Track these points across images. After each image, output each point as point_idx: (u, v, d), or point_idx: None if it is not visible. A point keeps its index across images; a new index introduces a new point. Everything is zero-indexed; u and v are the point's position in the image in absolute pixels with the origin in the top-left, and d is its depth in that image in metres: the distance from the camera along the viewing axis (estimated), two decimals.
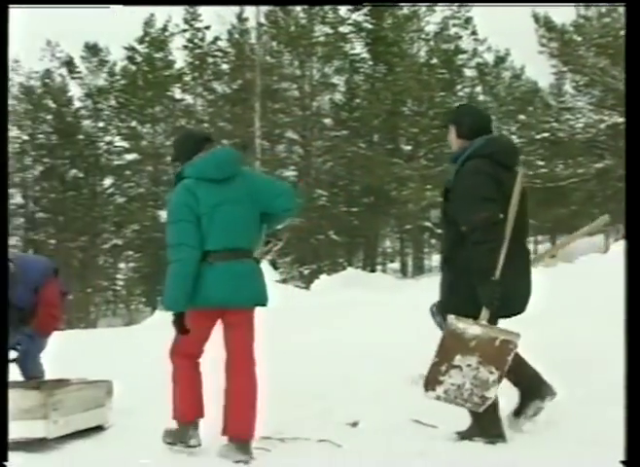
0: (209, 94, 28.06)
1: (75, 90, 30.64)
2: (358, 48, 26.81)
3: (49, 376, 5.01)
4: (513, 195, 3.44)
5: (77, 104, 30.69)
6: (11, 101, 30.38)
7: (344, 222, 26.21)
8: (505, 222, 3.39)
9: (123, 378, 4.94)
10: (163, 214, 27.40)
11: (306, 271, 25.21)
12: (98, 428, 4.43)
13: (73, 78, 30.44)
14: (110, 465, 3.64)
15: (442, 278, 3.66)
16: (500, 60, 29.57)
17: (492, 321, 3.42)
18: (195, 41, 27.37)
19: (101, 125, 30.42)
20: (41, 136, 30.51)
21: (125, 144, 30.02)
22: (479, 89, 28.38)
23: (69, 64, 30.20)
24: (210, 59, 27.11)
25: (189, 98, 29.10)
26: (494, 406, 3.44)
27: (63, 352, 5.70)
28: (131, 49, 29.22)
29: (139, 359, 7.22)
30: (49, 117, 30.27)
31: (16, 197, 31.39)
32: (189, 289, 3.52)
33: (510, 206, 3.42)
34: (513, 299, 3.46)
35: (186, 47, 27.50)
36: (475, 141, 3.57)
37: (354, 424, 3.99)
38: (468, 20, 26.52)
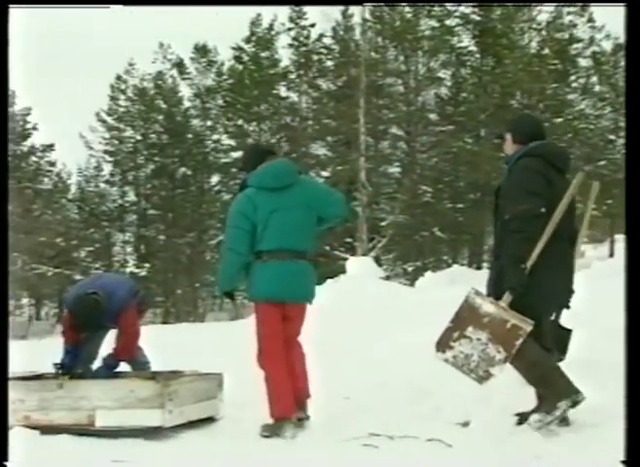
0: (314, 92, 28.24)
1: (185, 91, 31.64)
2: (465, 40, 26.21)
3: (161, 367, 5.14)
4: (566, 194, 3.54)
5: (186, 104, 31.64)
6: (124, 102, 31.77)
7: (449, 218, 25.76)
8: (546, 217, 3.48)
9: (232, 371, 5.01)
10: None
11: (410, 268, 24.97)
12: (210, 419, 4.52)
13: (183, 79, 31.41)
14: (222, 456, 3.68)
15: (490, 271, 3.82)
16: (619, 48, 28.12)
17: (527, 315, 3.49)
18: (301, 39, 27.59)
19: (209, 123, 31.20)
20: (152, 136, 31.61)
21: (232, 142, 30.63)
22: (594, 79, 27.02)
23: (179, 65, 31.18)
24: (315, 57, 27.26)
25: (294, 96, 29.42)
26: (559, 371, 3.55)
27: (174, 345, 5.88)
28: (238, 48, 29.79)
29: (247, 353, 7.33)
30: (160, 117, 31.31)
31: (129, 195, 32.76)
32: (232, 282, 4.29)
33: (556, 204, 3.52)
34: (560, 294, 3.62)
35: (291, 45, 27.80)
36: (530, 145, 3.73)
37: (465, 424, 3.86)
38: (584, 7, 25.38)
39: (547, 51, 25.29)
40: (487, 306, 3.54)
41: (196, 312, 29.12)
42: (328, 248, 25.47)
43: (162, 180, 31.30)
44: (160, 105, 31.38)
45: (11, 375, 4.86)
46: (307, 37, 27.58)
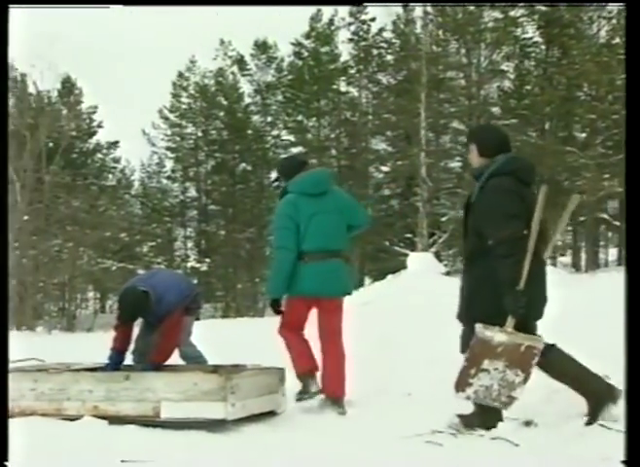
0: (374, 86, 28.11)
1: (245, 87, 31.96)
2: (530, 31, 25.57)
3: (221, 361, 5.15)
4: (536, 210, 3.61)
5: (247, 100, 31.96)
6: (186, 99, 32.25)
7: None
8: (528, 236, 3.57)
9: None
10: None
11: None
12: (271, 413, 4.53)
13: (243, 75, 31.73)
14: (284, 449, 3.69)
15: (462, 286, 3.89)
16: None
17: (522, 326, 3.62)
18: (361, 33, 27.49)
19: (269, 119, 31.44)
20: (213, 132, 32.03)
21: (292, 138, 30.80)
22: None
23: (240, 62, 31.49)
24: (375, 51, 27.13)
25: (353, 91, 29.36)
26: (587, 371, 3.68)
27: (234, 338, 5.92)
28: (298, 44, 29.90)
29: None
30: (221, 113, 31.71)
31: (190, 191, 33.27)
32: (285, 282, 4.57)
33: (532, 221, 3.60)
34: (535, 306, 3.69)
35: (351, 40, 27.72)
36: (496, 159, 3.75)
37: (528, 423, 3.78)
38: None
39: (617, 40, 24.41)
40: (499, 336, 3.63)
41: (256, 307, 29.40)
42: (387, 244, 25.35)
43: (223, 176, 31.67)
44: (220, 102, 31.76)
45: (78, 366, 4.99)
46: (367, 31, 27.45)
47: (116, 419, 4.29)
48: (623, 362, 2.97)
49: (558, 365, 3.73)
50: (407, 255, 18.37)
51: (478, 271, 3.72)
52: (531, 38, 25.68)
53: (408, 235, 26.09)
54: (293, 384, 4.76)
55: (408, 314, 9.18)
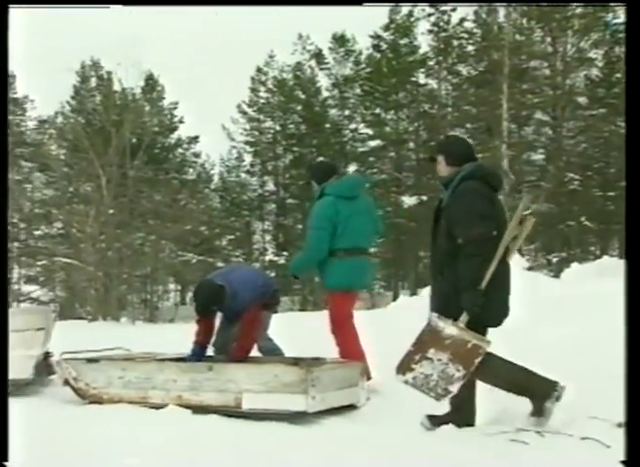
0: (453, 78, 27.62)
1: (323, 81, 31.97)
2: (622, 16, 24.50)
3: (300, 354, 5.17)
4: (514, 217, 3.75)
5: (324, 94, 31.95)
6: (264, 94, 32.54)
7: (598, 207, 24.42)
8: (496, 239, 3.68)
9: (372, 360, 4.98)
10: (406, 200, 27.57)
11: (555, 259, 23.95)
12: (351, 407, 4.52)
13: (321, 69, 31.75)
14: (363, 442, 3.66)
15: (433, 289, 4.00)
16: None
17: (473, 327, 3.71)
18: (441, 24, 27.04)
19: (347, 113, 31.35)
20: (291, 126, 32.21)
21: (369, 131, 30.63)
22: None
23: (318, 56, 31.54)
24: (455, 42, 26.61)
25: (433, 83, 28.93)
26: (472, 398, 3.88)
27: (312, 332, 5.91)
28: (377, 37, 29.69)
29: (386, 342, 7.28)
30: (298, 107, 31.83)
31: (268, 184, 33.59)
32: (305, 272, 5.51)
33: (501, 225, 3.74)
34: (493, 311, 3.78)
35: (431, 31, 27.27)
36: (464, 167, 3.89)
37: (620, 425, 3.61)
38: None
39: None
40: (450, 329, 3.73)
41: None
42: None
43: (301, 170, 31.81)
44: (298, 96, 31.91)
45: (162, 356, 5.09)
46: (448, 22, 26.92)
47: (199, 409, 4.36)
48: (623, 362, 2.97)
49: (491, 370, 3.80)
50: None
51: (451, 276, 3.78)
52: (623, 23, 24.60)
53: None
54: None
55: None
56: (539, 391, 3.76)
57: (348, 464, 3.34)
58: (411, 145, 29.76)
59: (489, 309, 3.73)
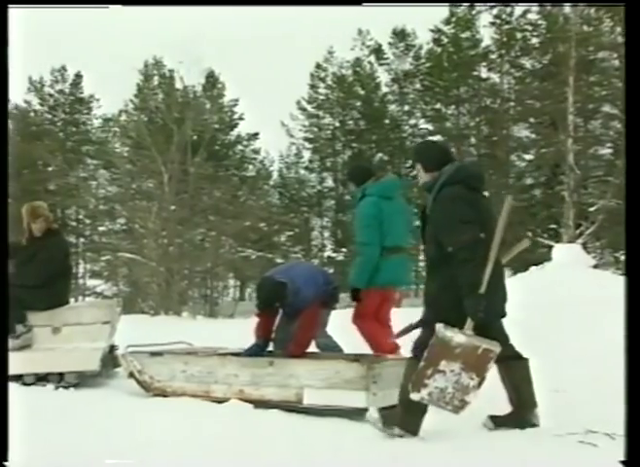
0: (516, 71, 27.04)
1: (382, 76, 31.76)
2: None
3: (355, 350, 5.16)
4: (500, 219, 3.76)
5: (384, 89, 31.75)
6: (324, 90, 32.55)
7: None
8: (485, 241, 3.67)
9: None
10: None
11: (623, 257, 23.22)
12: None
13: (381, 64, 31.56)
14: (426, 440, 3.64)
15: (425, 293, 4.06)
16: None
17: (483, 331, 3.68)
18: (504, 16, 26.51)
19: (406, 108, 31.08)
20: (350, 122, 32.15)
21: (430, 126, 30.32)
22: None
23: (378, 51, 31.36)
24: (519, 34, 26.06)
25: (495, 77, 28.38)
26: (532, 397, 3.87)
27: None
28: (437, 31, 29.35)
29: None
30: (358, 103, 31.74)
31: (327, 181, 33.62)
32: (369, 274, 5.12)
33: (487, 225, 3.74)
34: (500, 305, 3.86)
35: (493, 23, 26.78)
36: (444, 170, 3.88)
37: None
38: None
39: None
40: (458, 338, 3.65)
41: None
42: (530, 235, 24.43)
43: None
44: (358, 92, 31.81)
45: (224, 350, 5.11)
46: (511, 14, 26.40)
47: (260, 403, 4.36)
48: (623, 362, 2.97)
49: (519, 380, 3.90)
50: (550, 246, 17.55)
51: (440, 279, 3.82)
52: None
53: (553, 226, 24.99)
54: None
55: (553, 308, 8.77)
56: (528, 409, 3.87)
57: (410, 461, 3.30)
58: (473, 140, 29.29)
59: (492, 309, 3.75)
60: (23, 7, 3.95)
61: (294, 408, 4.28)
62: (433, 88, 29.37)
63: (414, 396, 3.71)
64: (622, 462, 2.76)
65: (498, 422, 3.88)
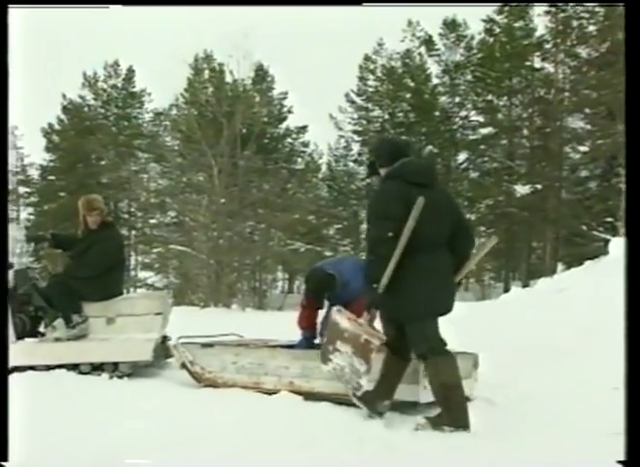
0: (572, 60, 26.40)
1: (433, 68, 31.43)
2: None
3: None
4: (409, 218, 3.71)
5: (434, 81, 31.42)
6: (373, 82, 32.33)
7: None
8: (396, 239, 3.70)
9: (488, 352, 4.86)
10: (519, 189, 26.70)
11: None
12: None
13: (431, 56, 31.21)
14: (480, 435, 3.59)
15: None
16: None
17: (397, 325, 3.87)
18: (559, 5, 25.87)
19: (457, 100, 30.70)
20: (400, 114, 31.92)
21: (481, 118, 29.90)
22: None
23: (428, 42, 31.02)
24: (575, 22, 25.42)
25: (549, 67, 27.74)
26: (463, 399, 3.80)
27: None
28: (490, 20, 28.88)
29: (501, 334, 7.09)
30: (407, 95, 31.48)
31: None
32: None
33: (425, 220, 3.73)
34: (436, 302, 3.84)
35: (548, 12, 26.17)
36: (394, 166, 3.98)
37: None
38: None
39: None
40: (344, 323, 3.86)
41: None
42: (584, 228, 23.90)
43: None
44: (407, 83, 31.54)
45: (274, 342, 5.13)
46: (567, 2, 25.76)
47: (310, 396, 4.36)
48: (624, 362, 2.98)
49: (444, 373, 3.80)
50: (606, 240, 17.15)
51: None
52: None
53: (609, 219, 24.39)
54: None
55: (609, 303, 8.56)
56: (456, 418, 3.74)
57: (462, 455, 3.27)
58: (525, 132, 28.74)
59: (406, 307, 3.80)
60: (23, 7, 3.97)
61: (344, 401, 4.26)
62: (484, 79, 28.90)
63: (324, 368, 3.99)
64: (622, 462, 2.74)
65: (433, 422, 3.77)
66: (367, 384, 3.86)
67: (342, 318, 3.89)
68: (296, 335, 5.22)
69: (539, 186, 25.56)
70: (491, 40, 29.03)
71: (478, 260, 4.14)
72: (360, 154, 33.32)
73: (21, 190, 37.06)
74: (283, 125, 33.06)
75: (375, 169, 5.12)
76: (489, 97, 29.30)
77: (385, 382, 3.99)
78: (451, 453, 3.34)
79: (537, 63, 28.03)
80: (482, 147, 29.96)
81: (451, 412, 3.73)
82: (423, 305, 3.81)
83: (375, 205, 3.92)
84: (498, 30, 28.74)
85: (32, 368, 5.27)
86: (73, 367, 5.33)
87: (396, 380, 4.02)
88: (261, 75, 30.79)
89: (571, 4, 24.66)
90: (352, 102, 32.72)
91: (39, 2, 5.42)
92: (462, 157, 31.32)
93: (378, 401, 3.95)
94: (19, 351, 5.35)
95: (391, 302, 3.79)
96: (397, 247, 3.72)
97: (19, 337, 5.49)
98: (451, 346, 4.85)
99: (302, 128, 33.29)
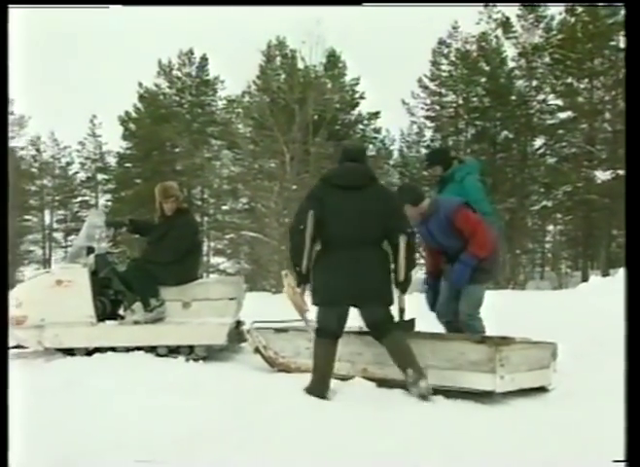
0: None
1: (509, 51, 30.58)
2: None
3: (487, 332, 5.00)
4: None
5: (510, 64, 30.59)
6: (446, 67, 31.76)
7: None
8: (313, 230, 4.28)
9: (566, 342, 4.76)
10: (599, 174, 25.82)
11: None
12: (541, 389, 4.34)
13: (508, 38, 30.35)
14: (557, 428, 3.49)
15: None
16: None
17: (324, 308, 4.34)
18: None
19: (534, 83, 29.82)
20: (474, 99, 31.30)
21: (559, 102, 28.97)
22: None
23: (505, 24, 30.17)
24: None
25: None
26: (326, 374, 4.28)
27: (496, 310, 5.69)
28: None
29: (578, 325, 6.91)
30: (482, 79, 30.81)
31: None
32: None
33: (337, 218, 4.28)
34: (326, 292, 4.32)
35: None
36: None
37: None
38: None
39: None
40: (286, 286, 4.50)
41: (517, 279, 28.41)
42: None
43: (483, 144, 30.90)
44: (482, 67, 30.86)
45: (348, 329, 5.11)
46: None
47: (384, 382, 4.33)
48: (624, 362, 2.96)
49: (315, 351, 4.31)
50: None
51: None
52: None
53: None
54: None
55: None
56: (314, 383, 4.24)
57: (539, 449, 3.19)
58: (607, 116, 27.68)
59: (315, 291, 4.37)
60: (23, 7, 4.01)
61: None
62: (564, 61, 27.91)
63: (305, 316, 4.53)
64: (622, 462, 2.71)
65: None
66: (310, 329, 4.53)
67: (288, 281, 4.46)
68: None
69: (621, 172, 24.63)
70: (573, 20, 27.99)
71: (402, 260, 4.29)
72: (432, 140, 32.88)
73: (99, 177, 38.27)
74: (355, 112, 32.94)
75: (436, 160, 5.53)
76: (569, 80, 28.31)
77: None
78: (526, 444, 3.25)
79: (622, 43, 26.86)
80: (561, 131, 29.04)
81: (312, 382, 4.22)
82: (318, 294, 4.33)
83: (300, 202, 4.55)
84: (580, 10, 27.67)
85: (113, 349, 5.42)
86: (151, 349, 5.46)
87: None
88: (333, 61, 30.69)
89: None
90: (425, 87, 32.29)
91: (39, 2, 5.44)
92: (539, 142, 30.44)
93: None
94: (100, 333, 5.52)
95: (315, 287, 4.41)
96: (307, 238, 4.29)
97: (100, 319, 5.65)
98: (528, 336, 4.75)
99: (374, 114, 33.08)
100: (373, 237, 4.32)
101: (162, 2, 7.37)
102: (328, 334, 4.29)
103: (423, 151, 33.43)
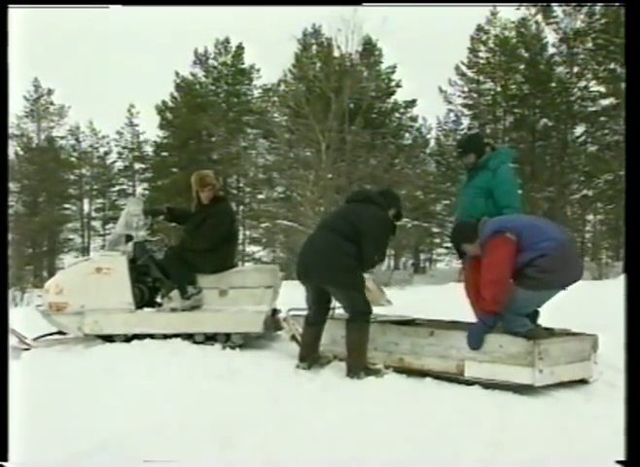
0: None
1: (549, 37, 29.97)
2: None
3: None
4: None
5: (551, 50, 30.01)
6: (484, 54, 31.31)
7: None
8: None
9: (608, 333, 4.64)
10: None
11: None
12: (582, 381, 4.27)
13: (548, 24, 29.75)
14: (600, 421, 3.45)
15: None
16: None
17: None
18: None
19: (576, 70, 29.22)
20: (513, 87, 30.80)
21: (602, 88, 28.32)
22: None
23: (545, 10, 29.58)
24: None
25: None
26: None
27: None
28: None
29: (619, 315, 6.76)
30: (521, 66, 30.31)
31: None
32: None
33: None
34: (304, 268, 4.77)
35: None
36: None
37: None
38: None
39: None
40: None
41: None
42: None
43: (522, 132, 30.44)
44: (521, 54, 30.35)
45: (381, 318, 5.08)
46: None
47: (419, 373, 4.31)
48: (624, 362, 2.94)
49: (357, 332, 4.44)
50: None
51: None
52: None
53: None
54: None
55: None
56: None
57: (580, 442, 3.17)
58: None
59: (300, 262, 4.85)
60: (23, 7, 4.00)
61: (454, 379, 4.20)
62: (607, 46, 27.22)
63: None
64: (622, 462, 2.67)
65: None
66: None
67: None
68: (404, 311, 5.17)
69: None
70: (617, 3, 27.32)
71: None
72: (470, 128, 32.48)
73: (137, 166, 38.68)
74: (391, 100, 32.70)
75: (470, 147, 5.36)
76: (612, 66, 27.63)
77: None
78: (566, 436, 3.21)
79: None
80: (603, 119, 28.44)
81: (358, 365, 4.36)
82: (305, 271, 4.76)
83: None
84: None
85: (151, 336, 5.48)
86: (188, 336, 5.50)
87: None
88: (369, 49, 30.47)
89: None
90: (462, 75, 31.90)
91: (39, 2, 5.50)
92: (579, 130, 29.86)
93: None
94: (139, 320, 5.58)
95: None
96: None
97: (138, 306, 5.70)
98: (568, 327, 4.67)
99: (411, 102, 32.82)
100: (340, 227, 4.68)
101: (162, 2, 7.30)
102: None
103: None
